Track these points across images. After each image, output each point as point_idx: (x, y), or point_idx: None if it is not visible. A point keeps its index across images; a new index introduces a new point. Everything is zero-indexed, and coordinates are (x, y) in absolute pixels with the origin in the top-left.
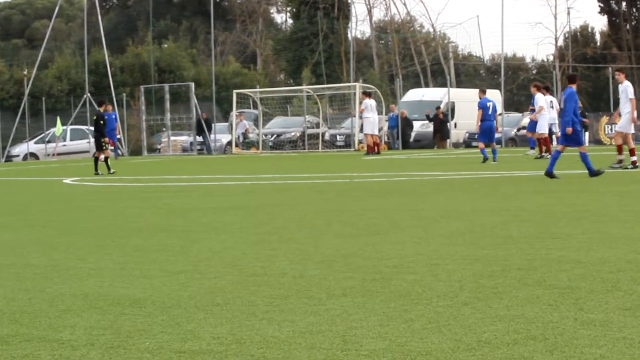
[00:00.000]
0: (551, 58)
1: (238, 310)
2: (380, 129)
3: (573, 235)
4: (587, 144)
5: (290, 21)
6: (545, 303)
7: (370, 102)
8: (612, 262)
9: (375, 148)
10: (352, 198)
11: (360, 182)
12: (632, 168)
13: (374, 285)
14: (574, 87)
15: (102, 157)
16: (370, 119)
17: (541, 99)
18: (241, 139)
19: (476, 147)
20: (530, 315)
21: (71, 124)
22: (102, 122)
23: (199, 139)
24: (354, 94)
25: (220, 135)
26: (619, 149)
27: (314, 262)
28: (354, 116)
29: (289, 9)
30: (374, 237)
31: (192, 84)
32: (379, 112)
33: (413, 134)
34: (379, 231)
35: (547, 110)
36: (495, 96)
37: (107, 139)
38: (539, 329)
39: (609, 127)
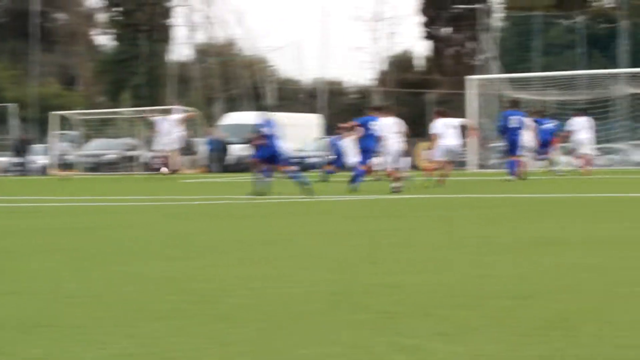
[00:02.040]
0: (372, 82)
1: (54, 332)
2: (195, 152)
3: (393, 260)
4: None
5: (112, 43)
6: (363, 327)
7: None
8: (432, 287)
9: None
10: (173, 220)
11: (180, 205)
12: None
13: (193, 308)
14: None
15: None
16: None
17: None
18: (59, 160)
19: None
20: (347, 340)
21: None
22: None
23: (18, 160)
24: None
25: (39, 157)
26: None
27: (133, 284)
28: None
29: (110, 31)
30: (194, 260)
31: (13, 105)
32: (199, 135)
33: (233, 158)
34: (200, 254)
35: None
36: (315, 120)
37: None
38: (355, 354)
39: (428, 153)
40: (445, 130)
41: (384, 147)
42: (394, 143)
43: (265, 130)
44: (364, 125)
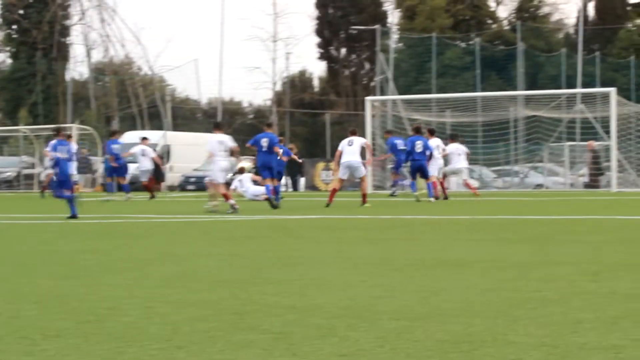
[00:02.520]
0: (269, 103)
1: None
2: (95, 171)
3: (287, 280)
4: (302, 190)
5: (9, 61)
6: (259, 347)
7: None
8: (327, 308)
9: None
10: (68, 239)
11: (76, 224)
12: None
13: (88, 327)
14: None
15: None
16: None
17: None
18: None
19: (191, 190)
20: None
21: None
22: None
23: None
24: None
25: None
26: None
27: (29, 303)
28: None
29: (8, 49)
30: (88, 279)
31: None
32: (95, 154)
33: (128, 177)
34: (94, 273)
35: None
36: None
37: None
38: None
39: (325, 173)
40: (346, 147)
41: (211, 165)
42: (220, 160)
43: (58, 153)
44: (257, 142)
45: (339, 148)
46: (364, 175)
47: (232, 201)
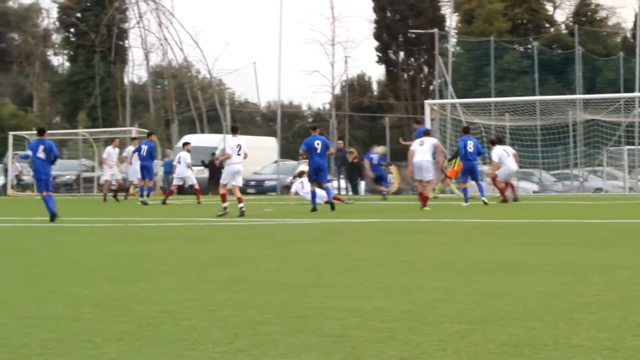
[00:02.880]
0: (327, 106)
1: (12, 352)
2: (155, 174)
3: (348, 284)
4: (363, 193)
5: (67, 64)
6: (321, 351)
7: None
8: (388, 312)
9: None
10: (126, 242)
11: (135, 227)
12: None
13: (149, 330)
14: None
15: None
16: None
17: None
18: (15, 181)
19: (251, 193)
20: None
21: None
22: None
23: None
24: (130, 138)
25: None
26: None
27: (89, 306)
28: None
29: (66, 52)
30: (148, 282)
31: None
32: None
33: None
34: (153, 276)
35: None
36: (272, 144)
37: None
38: None
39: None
40: (417, 147)
41: (226, 167)
42: (235, 164)
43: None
44: (310, 146)
45: (411, 148)
46: (430, 180)
47: (225, 204)
